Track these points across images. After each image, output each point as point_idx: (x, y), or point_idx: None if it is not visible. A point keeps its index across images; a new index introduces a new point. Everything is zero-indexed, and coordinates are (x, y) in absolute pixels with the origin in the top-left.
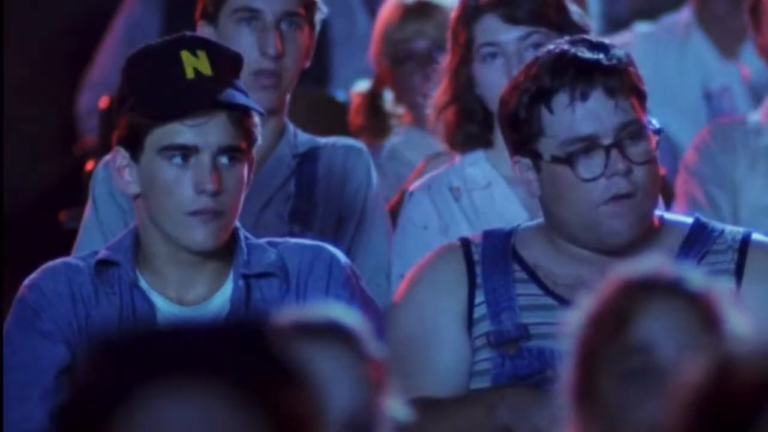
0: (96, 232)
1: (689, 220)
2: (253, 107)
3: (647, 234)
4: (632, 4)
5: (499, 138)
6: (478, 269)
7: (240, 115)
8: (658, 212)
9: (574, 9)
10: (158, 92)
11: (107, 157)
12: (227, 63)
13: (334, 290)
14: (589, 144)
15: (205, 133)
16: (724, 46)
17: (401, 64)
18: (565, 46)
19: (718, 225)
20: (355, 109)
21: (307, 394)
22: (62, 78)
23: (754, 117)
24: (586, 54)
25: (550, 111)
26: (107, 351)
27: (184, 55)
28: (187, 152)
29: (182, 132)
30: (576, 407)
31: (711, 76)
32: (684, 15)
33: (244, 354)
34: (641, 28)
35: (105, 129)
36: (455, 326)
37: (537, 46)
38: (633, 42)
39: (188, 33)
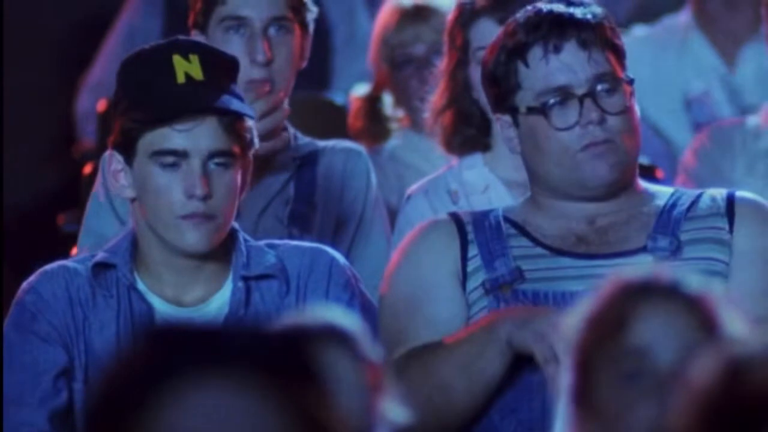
0: (108, 213)
1: (670, 189)
2: (244, 112)
3: (632, 196)
4: (630, 7)
5: (496, 141)
6: (470, 227)
7: (231, 119)
8: (641, 182)
9: None
10: (149, 97)
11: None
12: (221, 67)
13: (334, 292)
14: (563, 94)
15: (194, 137)
16: (724, 47)
17: (399, 69)
18: (541, 4)
19: (696, 189)
20: (355, 113)
21: (331, 397)
22: (61, 81)
23: (754, 119)
24: (560, 9)
25: (526, 65)
26: (140, 345)
27: (176, 59)
28: (177, 157)
29: (172, 137)
30: (574, 409)
31: (709, 78)
32: (683, 17)
33: (273, 353)
34: (639, 30)
35: (103, 132)
36: (450, 282)
37: None
38: (631, 44)
39: (182, 37)
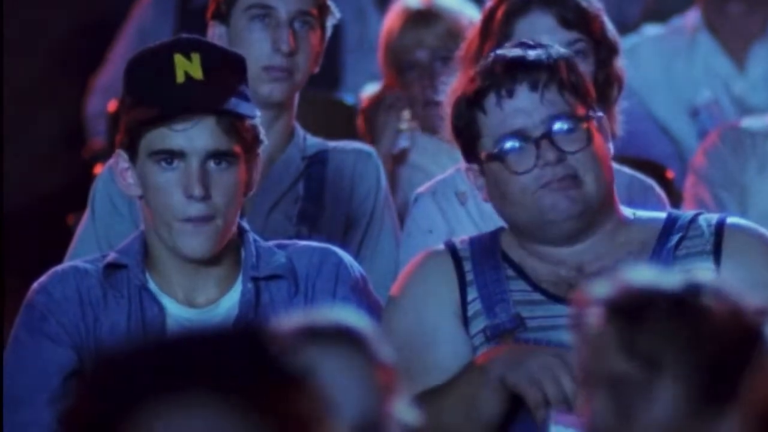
0: (91, 241)
1: (662, 215)
2: (241, 112)
3: (616, 233)
4: (642, 7)
5: None
6: (468, 266)
7: (231, 119)
8: (630, 210)
9: (609, 26)
10: (149, 96)
11: (110, 162)
12: (224, 66)
13: (342, 293)
14: (520, 137)
15: (191, 137)
16: (733, 48)
17: (404, 73)
18: (499, 51)
19: (690, 213)
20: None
21: (311, 398)
22: (70, 81)
23: (765, 120)
24: (514, 53)
25: (484, 112)
26: (110, 364)
27: (177, 58)
28: (175, 157)
29: (170, 137)
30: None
31: (716, 83)
32: (690, 17)
33: (244, 362)
34: (650, 30)
35: (113, 133)
36: (452, 323)
37: (579, 53)
38: (642, 44)
39: (186, 35)
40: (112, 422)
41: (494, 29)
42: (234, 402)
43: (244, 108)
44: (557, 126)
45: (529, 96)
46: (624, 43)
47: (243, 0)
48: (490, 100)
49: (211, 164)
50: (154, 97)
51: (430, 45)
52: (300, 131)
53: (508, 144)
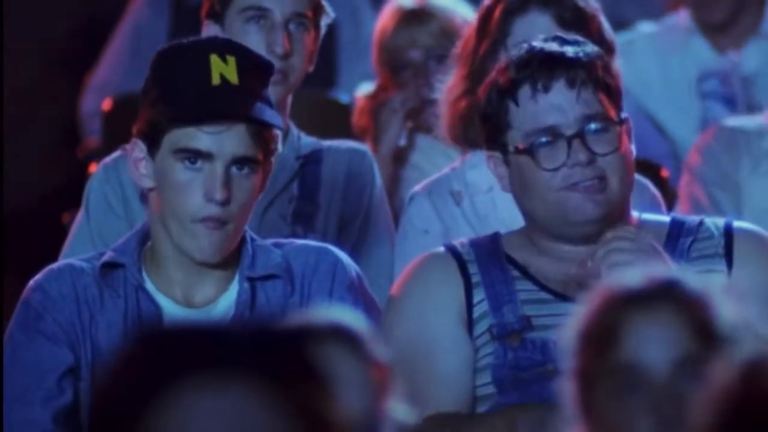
0: (85, 240)
1: (666, 218)
2: (273, 123)
3: None
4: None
5: None
6: (473, 268)
7: (259, 127)
8: (636, 213)
9: (606, 26)
10: (181, 95)
11: (105, 160)
12: (256, 72)
13: (339, 292)
14: (552, 134)
15: (221, 141)
16: (725, 48)
17: (397, 72)
18: (535, 43)
19: (696, 217)
20: (359, 112)
21: (334, 397)
22: (65, 80)
23: (758, 119)
24: (552, 47)
25: (516, 103)
26: (143, 346)
27: (213, 59)
28: (200, 158)
29: (199, 137)
30: (579, 418)
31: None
32: (683, 17)
33: (277, 354)
34: (645, 28)
35: (108, 132)
36: (455, 327)
37: None
38: (636, 41)
39: (221, 37)
40: (141, 402)
41: (491, 28)
42: (265, 393)
43: (272, 116)
44: (591, 126)
45: (566, 93)
46: (618, 39)
47: (238, 1)
48: (525, 92)
49: (234, 169)
50: (188, 96)
51: (424, 44)
52: (294, 130)
53: (540, 139)
